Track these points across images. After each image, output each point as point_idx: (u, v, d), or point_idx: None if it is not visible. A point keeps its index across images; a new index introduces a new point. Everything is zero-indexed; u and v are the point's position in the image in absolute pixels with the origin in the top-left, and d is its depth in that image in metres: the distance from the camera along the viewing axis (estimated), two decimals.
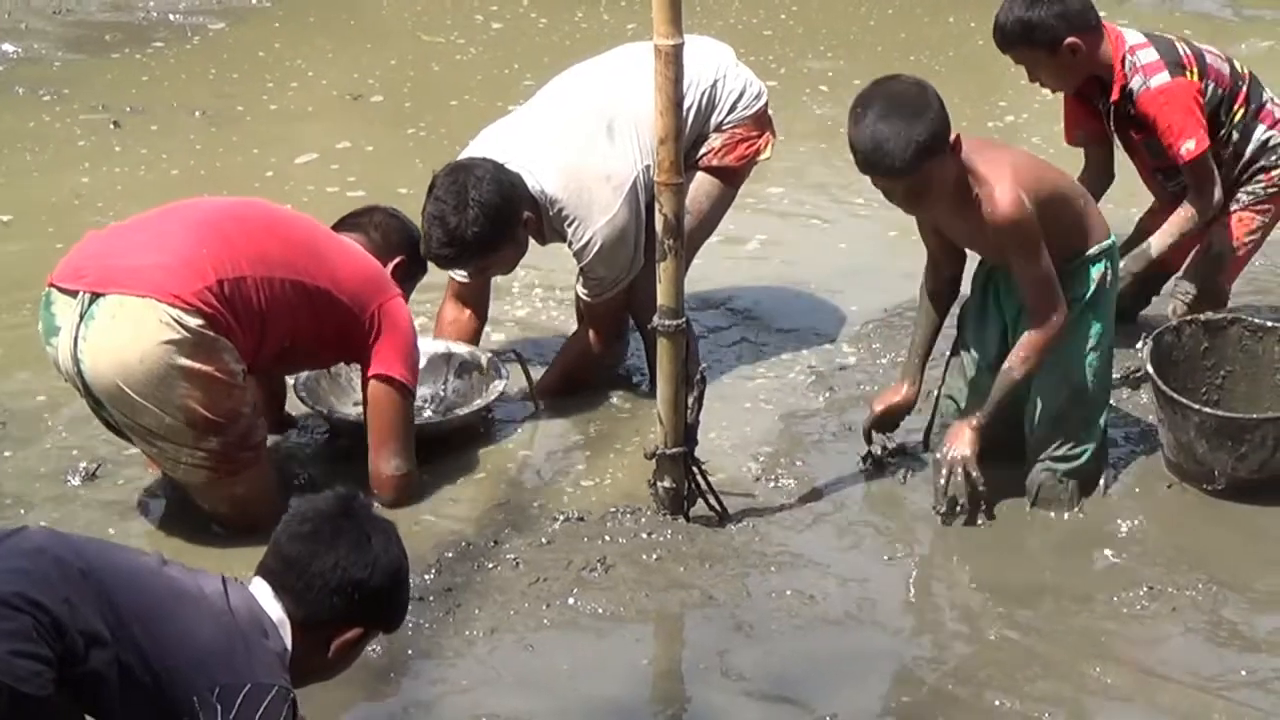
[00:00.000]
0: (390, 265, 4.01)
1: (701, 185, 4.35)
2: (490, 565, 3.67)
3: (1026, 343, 3.78)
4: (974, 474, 3.82)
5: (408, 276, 4.09)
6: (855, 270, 5.24)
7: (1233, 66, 4.37)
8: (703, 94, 4.30)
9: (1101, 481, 4.03)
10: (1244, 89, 4.35)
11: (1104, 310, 3.92)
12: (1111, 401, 4.37)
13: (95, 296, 3.53)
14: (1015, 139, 6.41)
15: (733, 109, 4.37)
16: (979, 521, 3.88)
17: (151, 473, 3.96)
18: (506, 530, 3.81)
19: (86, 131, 6.18)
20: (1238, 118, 4.33)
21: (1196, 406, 3.94)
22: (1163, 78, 4.22)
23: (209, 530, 3.76)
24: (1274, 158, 4.38)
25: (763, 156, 4.47)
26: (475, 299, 4.48)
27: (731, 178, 4.44)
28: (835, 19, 7.85)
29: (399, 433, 3.88)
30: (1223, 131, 4.34)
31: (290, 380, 4.16)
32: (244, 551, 3.64)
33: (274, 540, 2.63)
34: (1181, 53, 4.28)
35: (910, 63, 7.24)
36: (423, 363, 4.11)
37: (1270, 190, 4.40)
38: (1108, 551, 3.87)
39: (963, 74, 7.14)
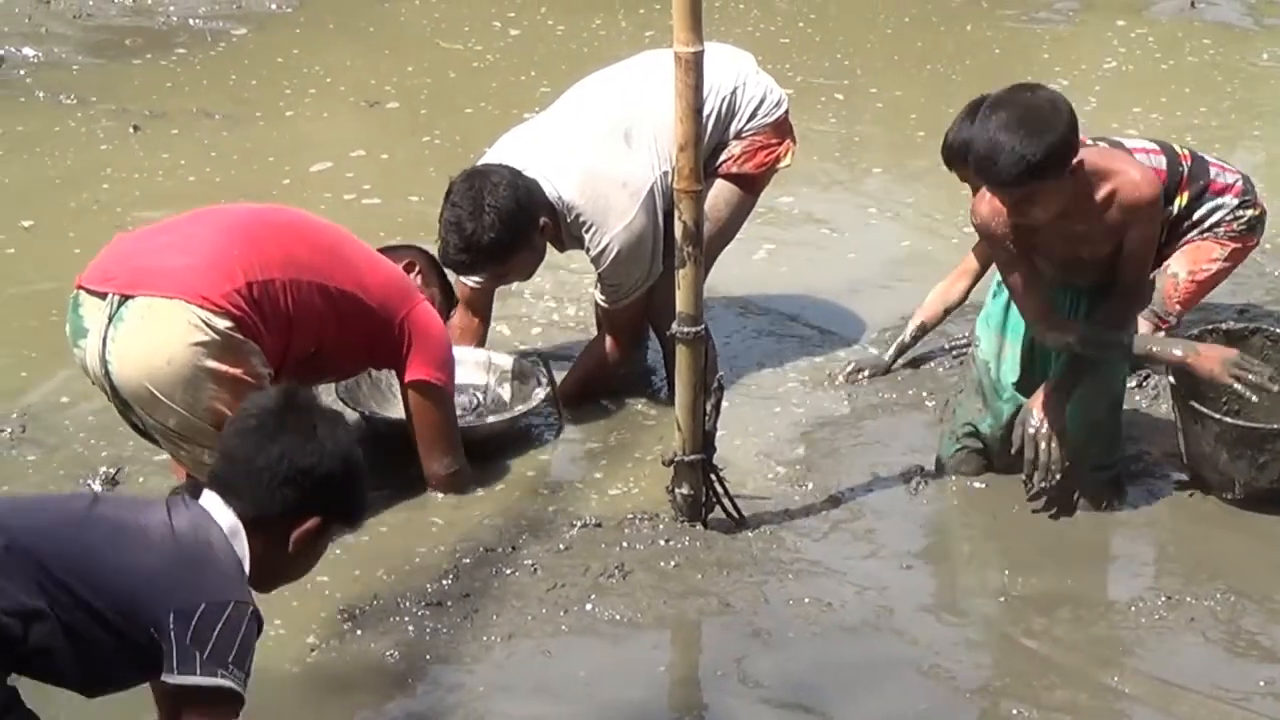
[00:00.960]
0: (401, 264, 4.05)
1: (721, 193, 4.36)
2: (508, 571, 3.68)
3: (1125, 310, 3.79)
4: (1064, 447, 3.83)
5: (417, 272, 4.11)
6: (870, 279, 5.24)
7: (1171, 158, 4.41)
8: (722, 101, 4.30)
9: (1121, 491, 4.03)
10: (1184, 173, 4.41)
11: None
12: (1129, 409, 4.38)
13: (124, 298, 3.54)
14: None
15: (753, 116, 4.37)
16: (1072, 495, 3.92)
17: (175, 478, 3.96)
18: (524, 536, 3.82)
19: (108, 136, 6.20)
20: (1185, 201, 4.40)
21: (1217, 416, 3.93)
22: None
23: None
24: (1229, 214, 4.43)
25: (783, 164, 4.47)
26: (483, 306, 4.50)
27: (751, 185, 4.44)
28: (852, 27, 7.85)
29: (444, 433, 3.95)
30: (1170, 218, 4.38)
31: (332, 385, 4.17)
32: None
33: (219, 442, 2.57)
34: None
35: (926, 71, 7.24)
36: (464, 370, 4.19)
37: (1231, 234, 4.45)
38: (1126, 561, 3.87)
39: (978, 84, 7.07)
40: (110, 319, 3.54)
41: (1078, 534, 3.93)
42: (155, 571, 2.40)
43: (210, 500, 2.51)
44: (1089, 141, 4.24)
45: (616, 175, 4.18)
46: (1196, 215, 4.43)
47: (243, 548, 2.48)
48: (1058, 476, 3.85)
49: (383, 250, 4.09)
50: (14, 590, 2.33)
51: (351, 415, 4.17)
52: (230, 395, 3.54)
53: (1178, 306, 4.43)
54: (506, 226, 4.04)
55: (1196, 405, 3.94)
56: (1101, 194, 3.68)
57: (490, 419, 4.27)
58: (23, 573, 2.35)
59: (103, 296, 3.57)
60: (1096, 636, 3.56)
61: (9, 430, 4.21)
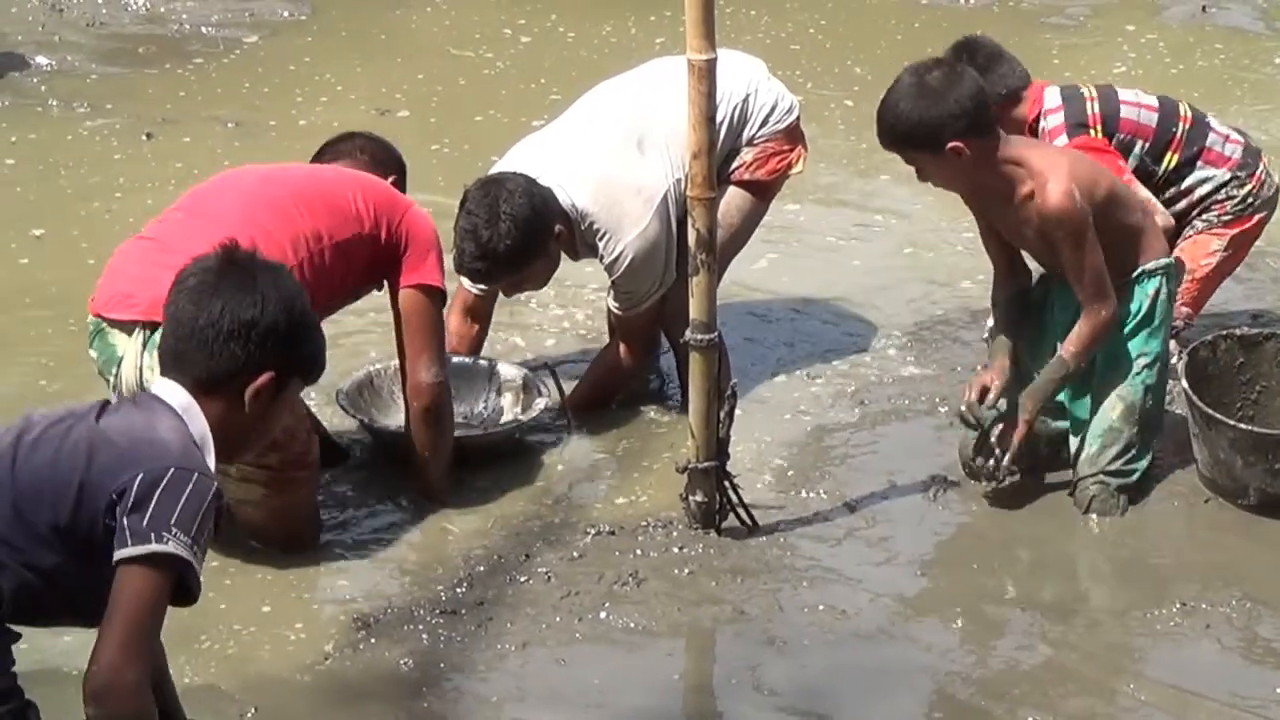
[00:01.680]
0: (388, 181, 3.97)
1: (733, 199, 4.35)
2: (522, 579, 3.68)
3: (1076, 335, 3.84)
4: (1015, 469, 3.91)
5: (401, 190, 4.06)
6: (879, 285, 5.24)
7: (1166, 115, 4.41)
8: (735, 108, 4.30)
9: (1137, 497, 4.02)
10: (1178, 134, 4.40)
11: (1158, 329, 3.95)
12: None
13: (154, 325, 3.48)
14: None
15: (765, 123, 4.37)
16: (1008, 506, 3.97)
17: None
18: (538, 544, 3.82)
19: (121, 144, 6.20)
20: (1172, 163, 4.40)
21: (1231, 422, 3.92)
22: (1060, 142, 4.31)
23: (247, 545, 3.75)
24: (1222, 192, 4.41)
25: (794, 170, 4.47)
26: (484, 313, 4.49)
27: (763, 192, 4.44)
28: (862, 33, 7.85)
29: (434, 339, 3.87)
30: (1156, 179, 4.39)
31: (334, 392, 4.17)
32: (285, 573, 3.70)
33: (164, 310, 2.50)
34: (1089, 112, 4.37)
35: None
36: (466, 379, 4.23)
37: (1225, 218, 4.41)
38: (1141, 568, 3.86)
39: None
40: (145, 346, 3.50)
41: (1092, 541, 3.93)
42: (92, 468, 2.34)
43: (160, 385, 2.46)
44: (1058, 100, 4.37)
45: (630, 182, 4.19)
46: (1186, 183, 4.40)
47: (199, 424, 2.42)
48: (1006, 474, 3.94)
49: (328, 145, 4.04)
50: None
51: (351, 423, 4.17)
52: None
53: (1185, 309, 4.40)
54: (523, 234, 4.04)
55: (1211, 411, 3.93)
56: (1023, 192, 3.77)
57: (489, 429, 4.24)
58: None
59: (128, 326, 3.53)
60: (1112, 644, 3.55)
61: None
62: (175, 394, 2.44)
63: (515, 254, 4.06)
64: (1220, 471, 3.98)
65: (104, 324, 3.60)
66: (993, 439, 3.94)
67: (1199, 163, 4.40)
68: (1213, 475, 4.02)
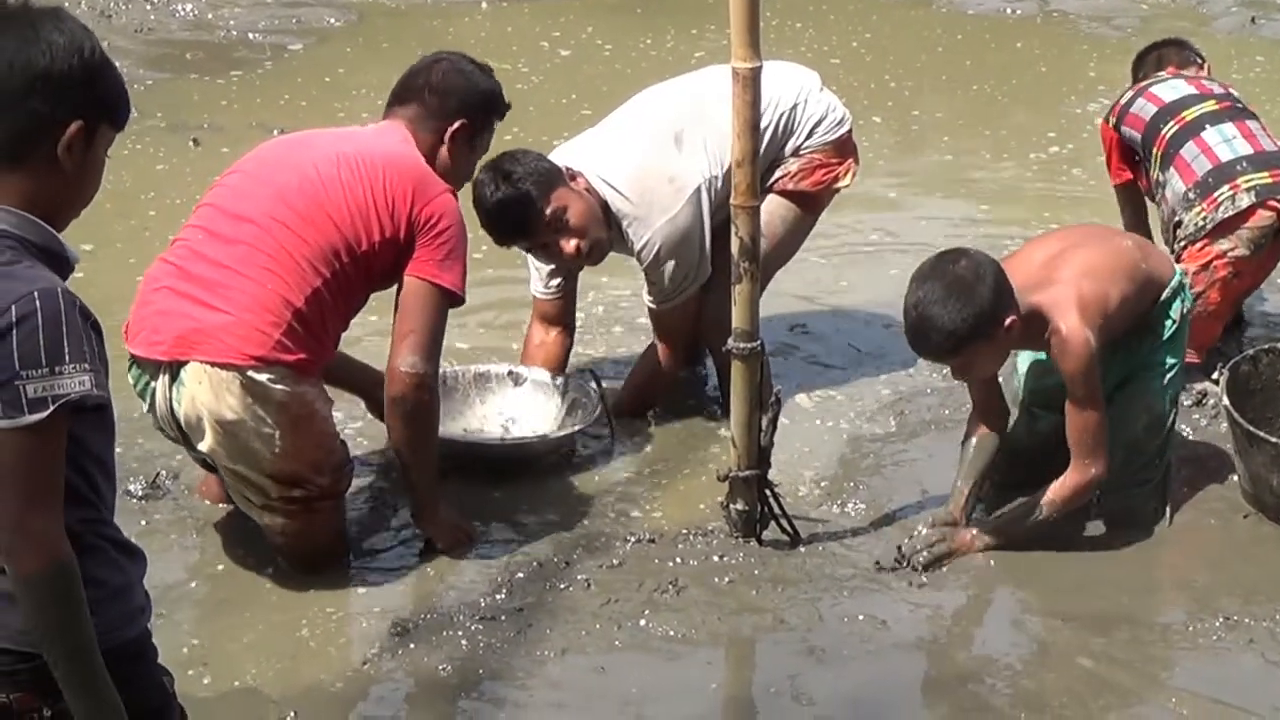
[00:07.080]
0: (449, 131, 3.79)
1: (776, 209, 4.34)
2: (562, 586, 3.68)
3: (1061, 485, 3.73)
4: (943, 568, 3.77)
5: (473, 135, 3.86)
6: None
7: (1164, 110, 4.48)
8: (781, 116, 4.30)
9: (1178, 511, 4.01)
10: (1164, 132, 4.46)
11: (1179, 343, 3.93)
12: (1189, 430, 4.35)
13: (179, 364, 3.50)
14: (1058, 171, 6.40)
15: (812, 134, 4.36)
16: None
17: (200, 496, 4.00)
18: (578, 551, 3.82)
19: (168, 153, 6.25)
20: (1157, 160, 4.48)
21: (1274, 440, 3.90)
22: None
23: (274, 562, 3.76)
24: (1180, 209, 4.37)
25: (842, 184, 4.44)
26: (559, 315, 4.46)
27: (809, 203, 4.42)
28: (904, 46, 7.86)
29: (425, 329, 3.62)
30: (1149, 171, 4.52)
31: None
32: (320, 579, 3.71)
33: None
34: (1118, 97, 4.68)
35: (973, 92, 7.24)
36: (535, 393, 4.31)
37: (1180, 243, 4.28)
38: (1183, 581, 3.85)
39: (1020, 102, 7.15)
40: (172, 381, 3.51)
41: (1134, 554, 3.91)
42: None
43: None
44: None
45: (664, 172, 4.18)
46: (1158, 183, 4.46)
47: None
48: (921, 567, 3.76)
49: (412, 75, 3.86)
50: None
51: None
52: (292, 448, 3.52)
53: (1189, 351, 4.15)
54: (521, 186, 4.03)
55: (1251, 427, 3.91)
56: (1047, 335, 3.69)
57: (529, 437, 4.24)
58: None
59: (155, 364, 3.53)
60: (1153, 657, 3.54)
61: None
62: None
63: (515, 208, 4.04)
64: (1261, 487, 3.96)
65: (133, 358, 3.59)
66: (943, 547, 3.76)
67: (1170, 168, 4.43)
68: (1254, 491, 4.00)
